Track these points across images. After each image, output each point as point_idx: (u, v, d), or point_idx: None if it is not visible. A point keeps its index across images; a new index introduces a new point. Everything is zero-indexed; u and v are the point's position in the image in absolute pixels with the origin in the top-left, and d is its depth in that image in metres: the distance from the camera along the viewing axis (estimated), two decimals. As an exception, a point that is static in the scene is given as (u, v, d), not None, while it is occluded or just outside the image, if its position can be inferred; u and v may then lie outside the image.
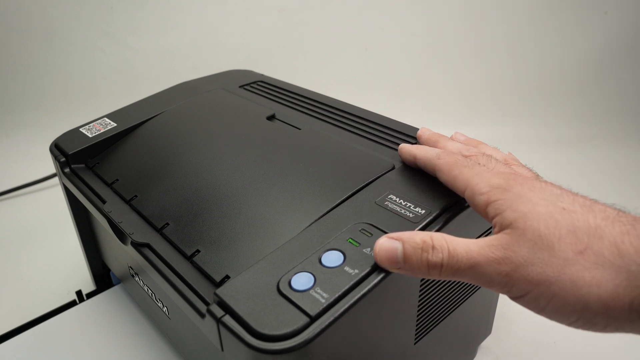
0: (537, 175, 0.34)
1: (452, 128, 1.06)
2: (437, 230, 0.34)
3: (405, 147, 0.40)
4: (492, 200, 0.29)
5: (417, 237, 0.29)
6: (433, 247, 0.28)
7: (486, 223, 0.41)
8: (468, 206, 0.36)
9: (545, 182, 0.30)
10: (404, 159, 0.40)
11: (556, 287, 0.25)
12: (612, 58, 1.12)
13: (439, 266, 0.28)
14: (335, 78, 1.16)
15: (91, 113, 0.67)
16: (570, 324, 0.25)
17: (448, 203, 0.36)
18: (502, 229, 0.27)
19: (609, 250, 0.24)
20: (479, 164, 0.33)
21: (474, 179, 0.31)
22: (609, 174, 0.92)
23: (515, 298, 0.27)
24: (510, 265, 0.26)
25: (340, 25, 1.15)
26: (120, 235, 0.42)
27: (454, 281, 0.40)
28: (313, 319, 0.28)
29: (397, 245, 0.29)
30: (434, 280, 0.37)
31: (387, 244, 0.30)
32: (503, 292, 0.27)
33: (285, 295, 0.30)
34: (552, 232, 0.25)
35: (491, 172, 0.31)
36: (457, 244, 0.28)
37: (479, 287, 0.45)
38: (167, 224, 0.41)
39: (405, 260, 0.29)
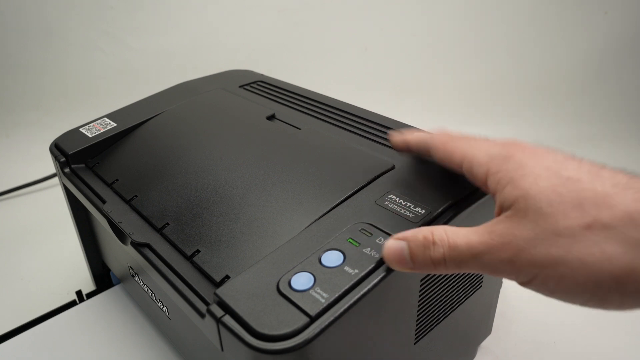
0: None
1: (452, 128, 1.06)
2: (437, 230, 0.34)
3: (396, 134, 0.39)
4: (492, 172, 0.27)
5: (419, 234, 0.28)
6: (434, 243, 0.27)
7: (488, 220, 0.41)
8: (468, 206, 0.36)
9: (548, 148, 0.28)
10: (396, 147, 0.39)
11: (564, 268, 0.23)
12: (612, 58, 1.12)
13: (443, 261, 0.27)
14: (335, 78, 1.17)
15: (91, 113, 0.67)
16: (583, 303, 0.24)
17: (448, 203, 0.36)
18: (503, 209, 0.26)
19: (620, 221, 0.22)
20: (475, 137, 0.32)
21: (471, 150, 0.30)
22: (609, 174, 0.92)
23: (523, 284, 0.25)
24: (512, 250, 0.24)
25: (340, 25, 1.15)
26: (120, 235, 0.42)
27: (454, 280, 0.40)
28: (313, 319, 0.28)
29: (403, 246, 0.29)
30: (434, 280, 0.37)
31: (394, 246, 0.29)
32: (511, 279, 0.26)
33: (285, 295, 0.30)
34: (555, 209, 0.24)
35: (488, 141, 0.30)
36: (457, 236, 0.27)
37: (479, 287, 0.45)
38: (167, 224, 0.41)
39: (412, 260, 0.28)
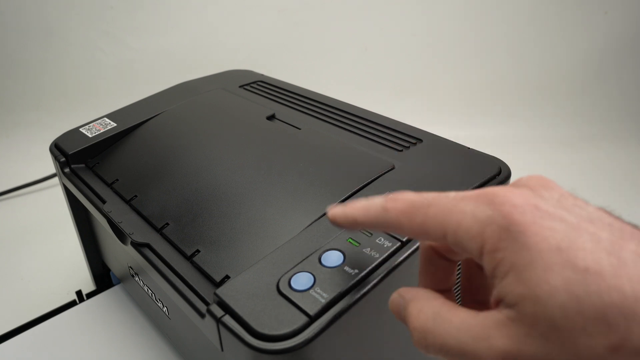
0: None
1: (453, 128, 1.07)
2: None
3: (337, 214, 0.27)
4: (488, 250, 0.20)
5: (396, 305, 0.25)
6: (423, 330, 0.22)
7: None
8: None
9: (553, 202, 0.21)
10: (343, 227, 0.28)
11: None
12: (612, 58, 1.12)
13: (431, 352, 0.22)
14: (335, 78, 1.17)
15: (91, 113, 0.67)
16: None
17: (448, 203, 0.36)
18: (504, 304, 0.20)
19: None
20: (442, 195, 0.23)
21: (451, 217, 0.22)
22: (609, 174, 0.92)
23: None
24: None
25: (340, 25, 1.15)
26: (120, 235, 0.42)
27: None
28: (313, 319, 0.28)
29: (400, 302, 0.25)
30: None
31: (395, 300, 0.25)
32: None
33: (285, 295, 0.30)
34: (572, 321, 0.18)
35: (467, 196, 0.22)
36: (447, 332, 0.21)
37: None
38: (167, 224, 0.41)
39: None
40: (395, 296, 0.25)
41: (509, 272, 0.20)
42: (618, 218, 0.20)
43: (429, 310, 0.23)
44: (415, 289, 0.25)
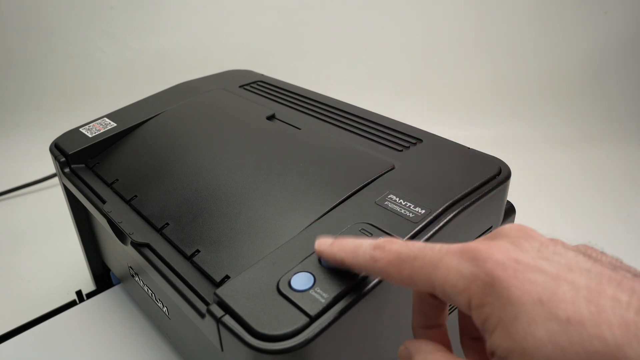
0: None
1: (453, 128, 1.07)
2: (438, 230, 0.34)
3: (325, 251, 0.30)
4: (475, 305, 0.22)
5: (403, 357, 0.27)
6: None
7: (486, 222, 0.41)
8: (469, 206, 0.36)
9: (533, 253, 0.22)
10: (331, 264, 0.31)
11: None
12: (612, 58, 1.12)
13: None
14: (335, 78, 1.17)
15: (91, 113, 0.67)
16: None
17: (448, 203, 0.36)
18: (496, 358, 0.21)
19: None
20: (427, 247, 0.25)
21: (437, 273, 0.23)
22: (609, 174, 0.92)
23: None
24: None
25: (340, 25, 1.16)
26: (120, 235, 0.42)
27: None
28: (313, 319, 0.28)
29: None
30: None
31: (402, 353, 0.27)
32: None
33: (285, 295, 0.30)
34: None
35: (450, 251, 0.23)
36: None
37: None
38: (167, 224, 0.41)
39: None
40: (402, 348, 0.27)
41: (497, 327, 0.21)
42: (598, 259, 0.21)
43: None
44: (419, 342, 0.26)
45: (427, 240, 0.34)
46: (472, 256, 0.22)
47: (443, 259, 0.23)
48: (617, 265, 0.21)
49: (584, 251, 0.22)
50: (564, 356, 0.19)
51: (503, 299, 0.20)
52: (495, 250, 0.22)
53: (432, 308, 0.28)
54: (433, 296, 0.27)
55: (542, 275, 0.21)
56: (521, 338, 0.20)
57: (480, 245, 0.23)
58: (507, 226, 0.24)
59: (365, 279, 0.30)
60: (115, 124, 0.56)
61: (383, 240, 0.27)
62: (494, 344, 0.21)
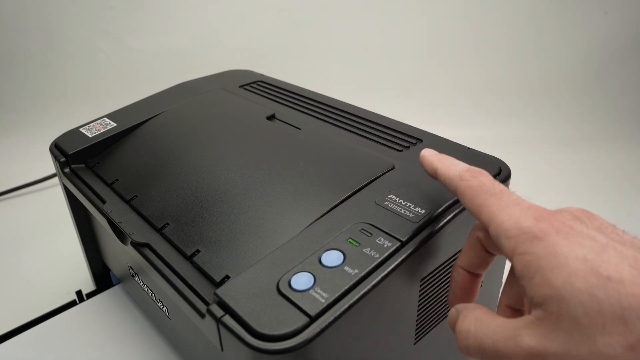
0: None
1: (453, 128, 1.07)
2: (438, 230, 0.34)
3: (427, 157, 0.34)
4: (518, 252, 0.23)
5: (452, 315, 0.28)
6: (466, 332, 0.26)
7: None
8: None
9: (587, 224, 0.24)
10: (426, 170, 0.34)
11: None
12: (612, 58, 1.12)
13: (471, 352, 0.25)
14: (335, 78, 1.17)
15: (91, 113, 0.67)
16: None
17: (448, 203, 0.36)
18: (533, 305, 0.22)
19: None
20: (508, 193, 0.27)
21: (500, 214, 0.25)
22: (609, 174, 0.92)
23: None
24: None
25: (340, 25, 1.15)
26: (120, 235, 0.42)
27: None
28: (313, 319, 0.28)
29: (454, 313, 0.28)
30: (434, 280, 0.37)
31: (452, 314, 0.28)
32: None
33: (285, 295, 0.30)
34: (594, 320, 0.20)
35: (521, 205, 0.25)
36: (485, 333, 0.24)
37: (480, 287, 0.44)
38: (167, 224, 0.41)
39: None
40: (452, 310, 0.28)
41: (535, 274, 0.22)
42: None
43: (472, 316, 0.26)
44: (466, 304, 0.28)
45: (427, 240, 0.34)
46: (535, 215, 0.24)
47: (510, 206, 0.25)
48: None
49: None
50: (599, 307, 0.20)
51: (548, 250, 0.22)
52: (556, 217, 0.24)
53: (477, 257, 0.30)
54: (483, 248, 0.30)
55: (591, 242, 0.22)
56: (560, 286, 0.21)
57: (546, 210, 0.25)
58: (572, 207, 0.26)
59: (365, 279, 0.30)
60: (115, 124, 0.56)
61: (477, 169, 0.30)
62: (531, 291, 0.22)
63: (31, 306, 0.62)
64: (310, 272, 0.31)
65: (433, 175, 0.33)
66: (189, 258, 0.37)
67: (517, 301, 0.30)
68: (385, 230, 0.34)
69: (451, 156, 0.33)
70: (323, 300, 0.29)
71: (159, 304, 0.45)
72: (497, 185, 0.28)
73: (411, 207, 0.35)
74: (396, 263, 0.32)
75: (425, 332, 0.39)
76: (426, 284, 0.36)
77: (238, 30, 1.16)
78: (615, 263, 0.21)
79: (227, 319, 0.29)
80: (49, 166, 0.81)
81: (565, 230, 0.23)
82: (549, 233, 0.23)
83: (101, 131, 0.55)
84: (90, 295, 0.59)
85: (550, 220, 0.23)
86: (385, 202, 0.36)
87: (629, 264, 0.21)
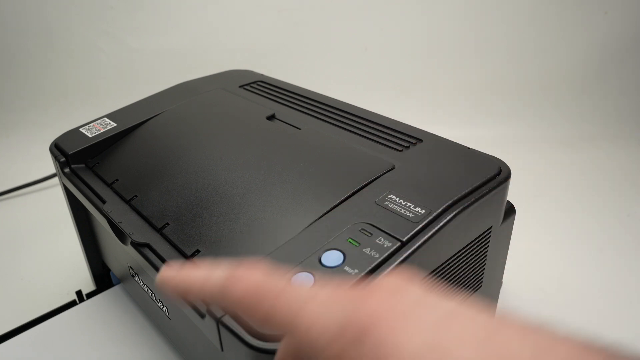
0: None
1: (453, 128, 1.07)
2: (438, 230, 0.34)
3: (167, 280, 0.24)
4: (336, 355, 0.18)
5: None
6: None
7: (487, 222, 0.41)
8: (468, 206, 0.36)
9: (423, 302, 0.19)
10: (172, 297, 0.25)
11: None
12: (612, 58, 1.12)
13: None
14: (335, 78, 1.17)
15: (91, 113, 0.67)
16: None
17: (448, 203, 0.36)
18: None
19: None
20: (291, 282, 0.22)
21: (299, 315, 0.20)
22: (609, 174, 0.92)
23: None
24: None
25: (340, 25, 1.15)
26: (120, 235, 0.42)
27: (454, 281, 0.40)
28: (313, 319, 0.28)
29: None
30: (433, 280, 0.37)
31: None
32: None
33: (285, 295, 0.30)
34: None
35: (322, 292, 0.20)
36: None
37: (479, 287, 0.45)
38: (167, 224, 0.41)
39: None
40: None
41: None
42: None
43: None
44: None
45: (427, 240, 0.33)
46: (340, 295, 0.20)
47: (313, 299, 0.20)
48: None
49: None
50: None
51: (371, 347, 0.17)
52: (377, 298, 0.19)
53: None
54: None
55: (426, 332, 0.18)
56: None
57: (362, 295, 0.20)
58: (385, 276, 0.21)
59: (365, 279, 0.30)
60: (115, 124, 0.56)
61: (245, 265, 0.22)
62: None
63: (31, 306, 0.62)
64: (310, 272, 0.31)
65: (186, 299, 0.26)
66: (189, 258, 0.37)
67: None
68: (385, 230, 0.34)
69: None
70: (323, 300, 0.29)
71: (159, 304, 0.45)
72: (275, 277, 0.22)
73: (411, 207, 0.35)
74: (396, 263, 0.32)
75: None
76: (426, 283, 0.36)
77: (238, 30, 1.16)
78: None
79: (227, 319, 0.29)
80: (49, 166, 0.81)
81: (390, 315, 0.18)
82: (367, 323, 0.18)
83: (101, 131, 0.55)
84: (90, 295, 0.59)
85: (365, 302, 0.19)
86: (385, 202, 0.36)
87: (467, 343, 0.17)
